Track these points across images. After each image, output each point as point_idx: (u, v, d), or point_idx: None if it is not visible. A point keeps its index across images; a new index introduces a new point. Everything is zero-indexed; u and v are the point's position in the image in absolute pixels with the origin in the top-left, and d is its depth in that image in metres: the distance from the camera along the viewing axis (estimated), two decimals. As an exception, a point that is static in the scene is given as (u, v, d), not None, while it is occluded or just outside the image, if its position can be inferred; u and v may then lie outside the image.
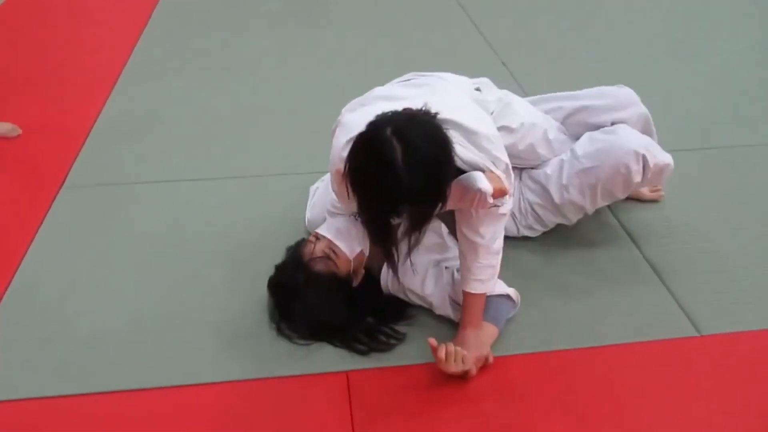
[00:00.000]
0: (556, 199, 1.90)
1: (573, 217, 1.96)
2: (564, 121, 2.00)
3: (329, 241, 1.74)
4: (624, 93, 2.00)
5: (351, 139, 1.46)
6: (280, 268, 1.80)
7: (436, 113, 1.44)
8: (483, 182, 1.49)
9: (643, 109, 1.99)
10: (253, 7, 4.19)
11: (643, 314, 1.81)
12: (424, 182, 1.36)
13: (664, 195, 2.22)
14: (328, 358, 1.68)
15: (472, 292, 1.64)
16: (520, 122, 1.88)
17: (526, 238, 2.04)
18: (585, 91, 2.03)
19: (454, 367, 1.55)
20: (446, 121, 1.46)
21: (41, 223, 2.20)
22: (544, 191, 1.92)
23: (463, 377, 1.59)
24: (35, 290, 1.93)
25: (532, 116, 1.94)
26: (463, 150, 1.51)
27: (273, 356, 1.69)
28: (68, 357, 1.70)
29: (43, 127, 2.76)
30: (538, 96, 2.10)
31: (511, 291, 1.75)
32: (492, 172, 1.55)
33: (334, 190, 1.68)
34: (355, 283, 1.78)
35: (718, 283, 1.91)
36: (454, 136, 1.45)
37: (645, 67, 3.26)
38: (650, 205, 2.21)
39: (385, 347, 1.69)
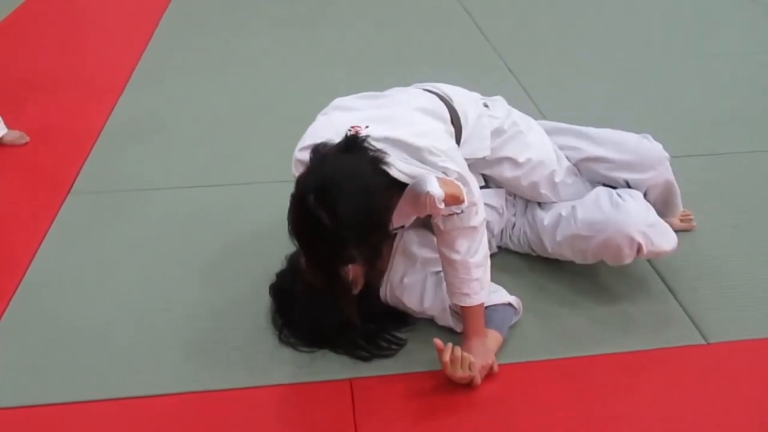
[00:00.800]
0: (549, 249, 1.88)
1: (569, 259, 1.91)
2: (578, 164, 1.93)
3: None
4: (649, 152, 1.87)
5: (305, 147, 1.56)
6: (280, 276, 1.82)
7: (365, 137, 1.47)
8: (432, 186, 1.48)
9: (666, 174, 1.87)
10: (261, 10, 4.20)
11: (649, 322, 1.81)
12: (358, 233, 1.41)
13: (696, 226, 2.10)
14: (331, 366, 1.68)
15: (463, 306, 1.65)
16: (527, 157, 1.85)
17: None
18: (608, 134, 1.92)
19: (461, 373, 1.55)
20: (385, 139, 1.50)
21: (48, 228, 2.22)
22: (540, 240, 1.90)
23: (468, 385, 1.59)
24: (42, 295, 1.95)
25: (542, 153, 1.88)
26: (405, 165, 1.51)
27: (276, 364, 1.69)
28: (73, 362, 1.72)
29: (51, 134, 2.78)
30: (560, 125, 2.01)
31: (512, 299, 1.75)
32: (446, 178, 1.53)
33: None
34: (355, 291, 1.78)
35: (726, 290, 1.90)
36: (395, 153, 1.50)
37: (647, 67, 3.26)
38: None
39: (386, 353, 1.70)
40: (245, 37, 3.83)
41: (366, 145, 1.47)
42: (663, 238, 1.77)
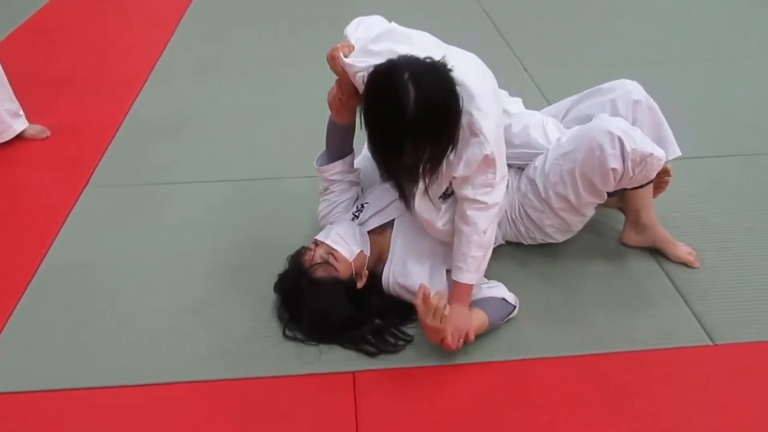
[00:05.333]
0: (541, 190, 1.83)
1: (567, 217, 1.86)
2: (565, 116, 1.98)
3: (328, 246, 1.78)
4: (616, 81, 1.95)
5: (377, 39, 1.66)
6: (283, 277, 1.83)
7: (451, 68, 1.53)
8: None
9: (637, 90, 1.90)
10: (282, 9, 4.25)
11: (656, 322, 1.79)
12: (431, 126, 1.50)
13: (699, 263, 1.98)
14: (335, 358, 1.70)
15: (454, 279, 1.69)
16: (519, 109, 1.94)
17: (546, 246, 2.00)
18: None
19: (431, 321, 1.59)
20: (460, 83, 1.56)
21: (65, 219, 2.27)
22: (533, 186, 1.86)
23: (440, 344, 1.63)
24: (57, 283, 1.99)
25: (531, 111, 1.97)
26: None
27: (282, 355, 1.71)
28: (82, 350, 1.76)
29: (72, 128, 2.84)
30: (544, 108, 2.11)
31: (508, 295, 1.76)
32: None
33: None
34: (360, 284, 1.80)
35: (734, 291, 1.88)
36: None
37: (673, 73, 3.22)
38: (670, 213, 2.15)
39: (393, 348, 1.71)
40: (266, 36, 3.87)
41: (452, 73, 1.54)
42: (646, 140, 1.73)
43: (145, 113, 2.99)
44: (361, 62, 1.65)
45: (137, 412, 1.59)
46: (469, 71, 1.62)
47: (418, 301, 1.59)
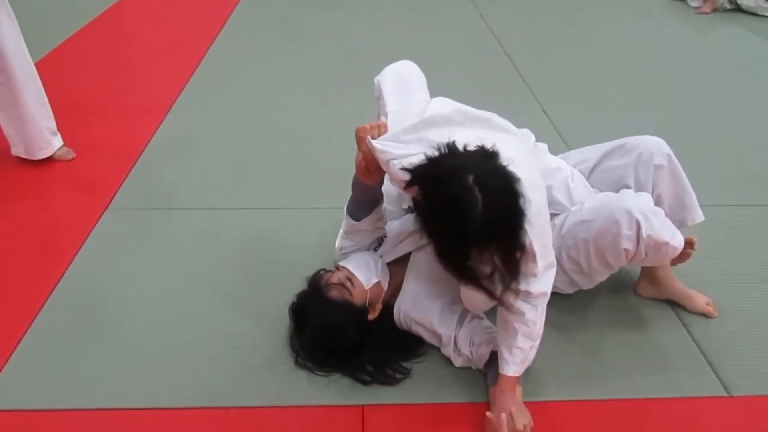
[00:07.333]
0: (556, 248, 1.77)
1: (577, 278, 1.84)
2: (591, 174, 1.93)
3: (348, 270, 1.80)
4: (641, 136, 1.89)
5: (412, 129, 1.59)
6: (300, 297, 1.85)
7: (502, 160, 1.45)
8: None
9: (661, 148, 1.84)
10: (310, 40, 4.33)
11: (669, 370, 1.77)
12: (501, 231, 1.41)
13: (717, 313, 1.96)
14: (345, 391, 1.69)
15: (500, 372, 1.61)
16: (544, 166, 1.88)
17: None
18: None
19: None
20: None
21: (85, 240, 2.30)
22: None
23: None
24: (72, 303, 2.01)
25: (558, 162, 1.93)
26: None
27: (291, 385, 1.71)
28: (94, 371, 1.76)
29: (97, 151, 2.90)
30: (569, 152, 2.06)
31: None
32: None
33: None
34: (372, 315, 1.81)
35: (753, 343, 1.86)
36: None
37: (690, 119, 3.23)
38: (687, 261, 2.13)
39: (390, 381, 1.70)
40: (290, 65, 3.94)
41: (505, 164, 1.45)
42: (665, 227, 1.68)
43: (168, 138, 3.04)
44: (394, 148, 1.58)
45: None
46: (516, 156, 1.53)
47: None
